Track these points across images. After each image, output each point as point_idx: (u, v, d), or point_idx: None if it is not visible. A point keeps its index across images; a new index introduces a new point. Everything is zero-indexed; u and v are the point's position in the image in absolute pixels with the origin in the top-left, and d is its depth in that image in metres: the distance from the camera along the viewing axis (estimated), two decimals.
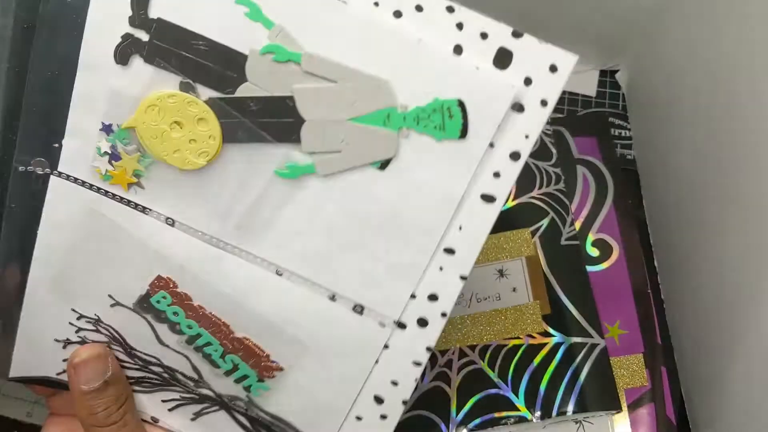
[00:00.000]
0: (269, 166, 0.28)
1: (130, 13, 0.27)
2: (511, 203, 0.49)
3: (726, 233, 0.37)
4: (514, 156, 0.26)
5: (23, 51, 0.28)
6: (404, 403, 0.30)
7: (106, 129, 0.29)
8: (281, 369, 0.31)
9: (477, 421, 0.44)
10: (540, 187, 0.49)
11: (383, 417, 0.30)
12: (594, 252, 0.48)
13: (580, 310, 0.46)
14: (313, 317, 0.30)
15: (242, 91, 0.27)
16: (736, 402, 0.37)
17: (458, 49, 0.26)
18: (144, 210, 0.30)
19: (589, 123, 0.52)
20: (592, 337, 0.45)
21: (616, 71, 0.55)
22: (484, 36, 0.26)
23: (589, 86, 0.55)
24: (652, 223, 0.50)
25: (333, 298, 0.29)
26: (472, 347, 0.45)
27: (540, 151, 0.50)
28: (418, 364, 0.29)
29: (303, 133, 0.27)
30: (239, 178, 0.28)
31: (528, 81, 0.26)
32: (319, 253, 0.29)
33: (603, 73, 0.55)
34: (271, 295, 0.30)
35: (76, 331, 0.33)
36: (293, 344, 0.30)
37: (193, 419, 0.33)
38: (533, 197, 0.49)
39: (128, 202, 0.30)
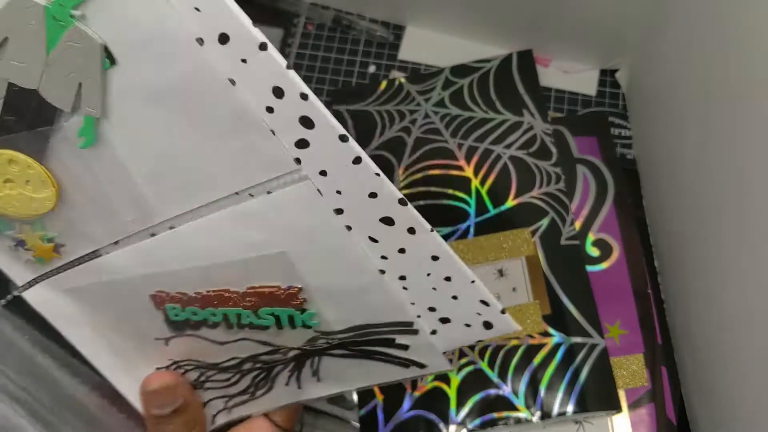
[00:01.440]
0: (76, 149, 0.26)
1: None
2: (511, 203, 0.49)
3: (726, 233, 0.37)
4: None
5: None
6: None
7: None
8: (299, 289, 0.29)
9: (477, 421, 0.44)
10: (540, 187, 0.49)
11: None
12: (594, 252, 0.48)
13: (580, 310, 0.46)
14: (260, 225, 0.27)
15: None
16: (737, 402, 0.37)
17: None
18: (91, 256, 0.30)
19: (589, 123, 0.52)
20: (592, 337, 0.45)
21: (616, 71, 0.55)
22: None
23: (589, 86, 0.55)
24: (652, 223, 0.50)
25: (252, 195, 0.27)
26: (471, 347, 0.45)
27: (540, 151, 0.50)
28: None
29: (47, 94, 0.25)
30: (83, 183, 0.27)
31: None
32: (191, 170, 0.26)
33: (603, 72, 0.56)
34: (215, 236, 0.28)
35: (174, 369, 0.35)
36: (279, 261, 0.28)
37: (318, 380, 0.33)
38: (533, 197, 0.49)
39: (73, 263, 0.31)
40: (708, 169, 0.39)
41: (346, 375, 0.33)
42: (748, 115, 0.34)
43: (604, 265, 0.48)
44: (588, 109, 0.54)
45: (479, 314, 0.28)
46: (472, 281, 0.27)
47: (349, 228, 0.26)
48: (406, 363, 0.31)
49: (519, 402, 0.44)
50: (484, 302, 0.28)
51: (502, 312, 0.28)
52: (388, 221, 0.26)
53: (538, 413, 0.43)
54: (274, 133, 0.24)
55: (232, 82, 0.23)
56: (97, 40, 0.23)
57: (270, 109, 0.23)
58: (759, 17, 0.33)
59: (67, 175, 0.27)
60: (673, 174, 0.45)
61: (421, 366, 0.30)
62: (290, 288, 0.29)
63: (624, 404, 0.44)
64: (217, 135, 0.24)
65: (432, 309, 0.28)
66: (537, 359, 0.45)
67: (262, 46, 0.22)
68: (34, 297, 0.33)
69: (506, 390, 0.44)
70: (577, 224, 0.49)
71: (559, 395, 0.44)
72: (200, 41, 0.22)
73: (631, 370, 0.45)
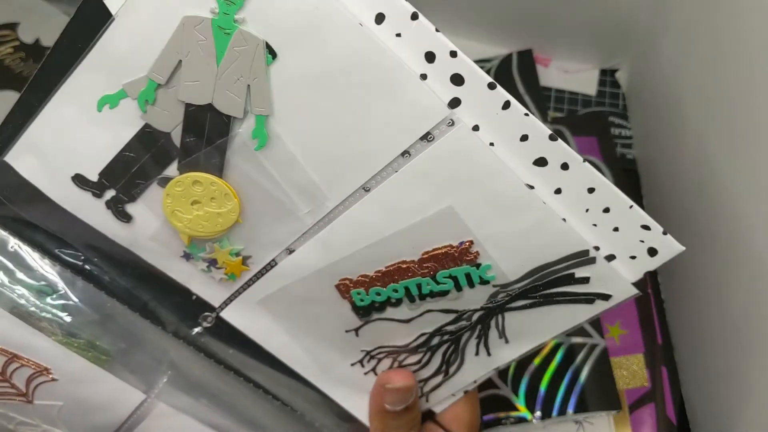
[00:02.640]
0: (251, 153, 0.28)
1: (86, 194, 0.30)
2: None
3: (726, 233, 0.37)
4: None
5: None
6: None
7: (186, 257, 0.32)
8: (471, 242, 0.29)
9: None
10: None
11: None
12: None
13: None
14: (422, 184, 0.27)
15: (175, 137, 0.28)
16: (736, 402, 0.37)
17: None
18: (276, 261, 0.31)
19: (589, 122, 0.52)
20: (592, 337, 0.45)
21: (616, 71, 0.55)
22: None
23: (589, 86, 0.55)
24: None
25: (410, 154, 0.27)
26: None
27: None
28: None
29: (221, 105, 0.26)
30: (261, 186, 0.29)
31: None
32: (352, 145, 0.27)
33: (603, 72, 0.56)
34: (383, 209, 0.28)
35: (368, 361, 0.35)
36: (445, 217, 0.28)
37: (506, 342, 0.33)
38: None
39: (261, 273, 0.32)
40: (708, 169, 0.39)
41: (533, 328, 0.32)
42: (747, 115, 0.35)
43: None
44: (588, 109, 0.54)
45: (642, 241, 0.27)
46: (630, 206, 0.26)
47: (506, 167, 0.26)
48: (591, 298, 0.29)
49: (519, 402, 0.44)
50: (645, 227, 0.27)
51: (664, 233, 0.27)
52: (541, 162, 0.26)
53: (538, 413, 0.43)
54: (426, 90, 0.25)
55: (389, 53, 0.24)
56: (260, 37, 0.24)
57: (424, 76, 0.24)
58: (757, 18, 0.33)
59: (245, 182, 0.29)
60: (673, 174, 0.45)
61: (606, 297, 0.29)
62: (462, 244, 0.29)
63: (624, 404, 0.44)
64: (374, 103, 0.25)
65: (596, 248, 0.28)
66: (537, 359, 0.45)
67: (414, 16, 0.24)
68: (231, 315, 0.34)
69: (506, 390, 0.44)
70: None
71: (559, 395, 0.44)
72: (361, 25, 0.24)
73: (631, 370, 0.45)
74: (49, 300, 0.32)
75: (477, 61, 0.54)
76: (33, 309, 0.31)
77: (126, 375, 0.34)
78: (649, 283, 0.47)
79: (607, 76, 0.55)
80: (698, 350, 0.42)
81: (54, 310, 0.32)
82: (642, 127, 0.52)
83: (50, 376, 0.32)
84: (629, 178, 0.51)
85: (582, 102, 0.55)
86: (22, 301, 0.31)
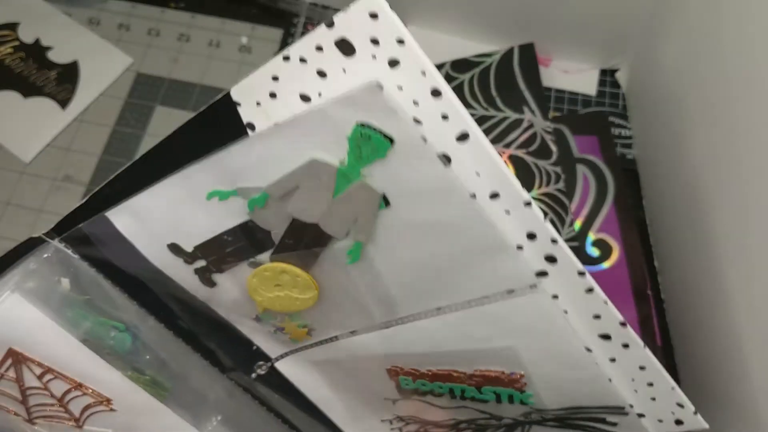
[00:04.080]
0: (342, 264, 0.29)
1: (178, 259, 0.31)
2: None
3: (726, 233, 0.37)
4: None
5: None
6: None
7: (257, 320, 0.34)
8: (522, 375, 0.31)
9: None
10: (539, 187, 0.49)
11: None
12: (594, 252, 0.48)
13: None
14: (493, 324, 0.30)
15: (275, 235, 0.29)
16: (736, 402, 0.37)
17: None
18: (338, 338, 0.34)
19: (589, 122, 0.52)
20: None
21: (616, 71, 0.55)
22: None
23: (589, 86, 0.55)
24: (652, 223, 0.50)
25: (488, 299, 0.29)
26: None
27: (540, 150, 0.50)
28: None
29: (327, 227, 0.28)
30: (342, 287, 0.30)
31: None
32: (438, 280, 0.29)
33: (603, 72, 0.56)
34: (450, 330, 0.31)
35: (397, 422, 0.39)
36: (505, 353, 0.31)
37: None
38: (532, 197, 0.49)
39: (321, 342, 0.35)
40: (708, 168, 0.39)
41: None
42: (747, 115, 0.34)
43: (604, 265, 0.48)
44: (588, 109, 0.54)
45: (673, 413, 0.31)
46: (672, 387, 0.29)
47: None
48: None
49: None
50: (680, 405, 0.30)
51: (695, 413, 0.30)
52: (606, 337, 0.28)
53: None
54: (519, 258, 0.26)
55: (492, 225, 0.25)
56: (378, 191, 0.25)
57: (520, 247, 0.26)
58: (758, 18, 0.33)
59: (328, 281, 0.31)
60: (673, 174, 0.45)
61: None
62: (513, 374, 0.32)
63: None
64: (469, 257, 0.27)
65: (630, 406, 0.31)
66: None
67: (527, 203, 0.25)
68: (284, 367, 0.37)
69: None
70: (578, 223, 0.48)
71: None
72: (473, 196, 0.25)
73: None
74: (120, 335, 0.33)
75: (478, 56, 0.54)
76: (105, 342, 0.32)
77: (181, 410, 0.35)
78: (649, 283, 0.47)
79: (607, 76, 0.55)
80: (698, 350, 0.42)
81: (124, 344, 0.33)
82: (642, 127, 0.52)
83: (110, 406, 0.33)
84: (629, 178, 0.51)
85: (582, 102, 0.55)
86: (96, 334, 0.32)
